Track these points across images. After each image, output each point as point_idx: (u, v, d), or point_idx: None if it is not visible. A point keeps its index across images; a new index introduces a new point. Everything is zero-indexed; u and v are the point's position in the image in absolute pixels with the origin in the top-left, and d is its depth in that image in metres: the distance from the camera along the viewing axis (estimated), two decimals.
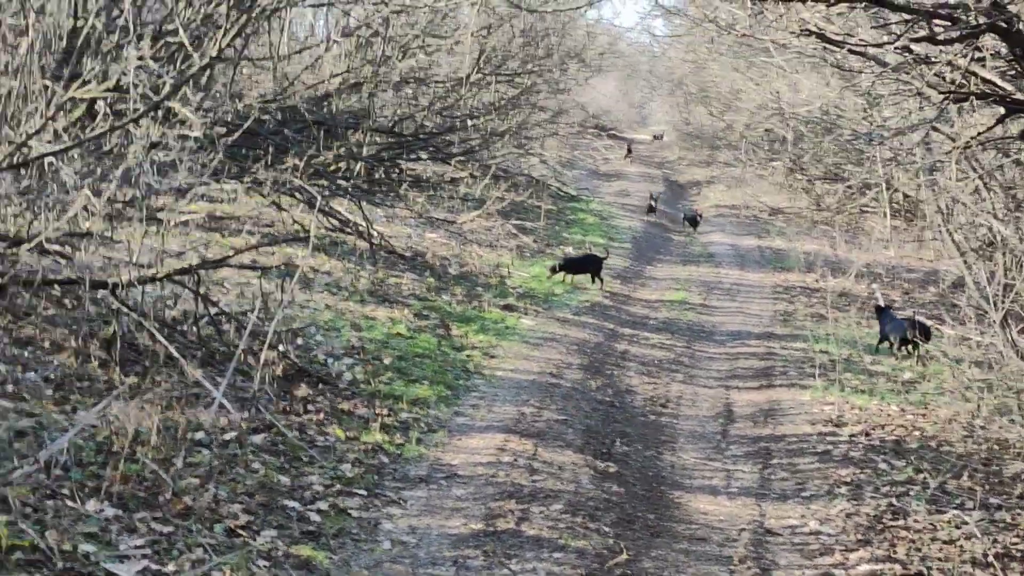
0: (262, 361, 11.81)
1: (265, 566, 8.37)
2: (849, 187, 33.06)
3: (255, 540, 8.70)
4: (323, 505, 9.74)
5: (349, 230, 20.17)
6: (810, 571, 9.82)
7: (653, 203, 37.56)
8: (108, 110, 15.32)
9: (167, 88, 12.16)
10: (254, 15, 17.11)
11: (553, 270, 22.98)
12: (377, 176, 23.20)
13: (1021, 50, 11.30)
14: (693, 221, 35.62)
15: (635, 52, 67.06)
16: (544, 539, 9.66)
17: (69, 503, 8.40)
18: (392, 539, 9.38)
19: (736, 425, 14.62)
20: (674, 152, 58.08)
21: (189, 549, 8.25)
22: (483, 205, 25.63)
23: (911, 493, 11.67)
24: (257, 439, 10.67)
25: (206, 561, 8.13)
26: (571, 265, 23.26)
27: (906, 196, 29.93)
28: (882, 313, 19.00)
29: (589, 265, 23.38)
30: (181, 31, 13.62)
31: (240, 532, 8.75)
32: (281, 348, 12.95)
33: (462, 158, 25.14)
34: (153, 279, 12.10)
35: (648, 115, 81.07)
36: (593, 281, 23.18)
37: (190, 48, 14.76)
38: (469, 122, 25.52)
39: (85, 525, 8.14)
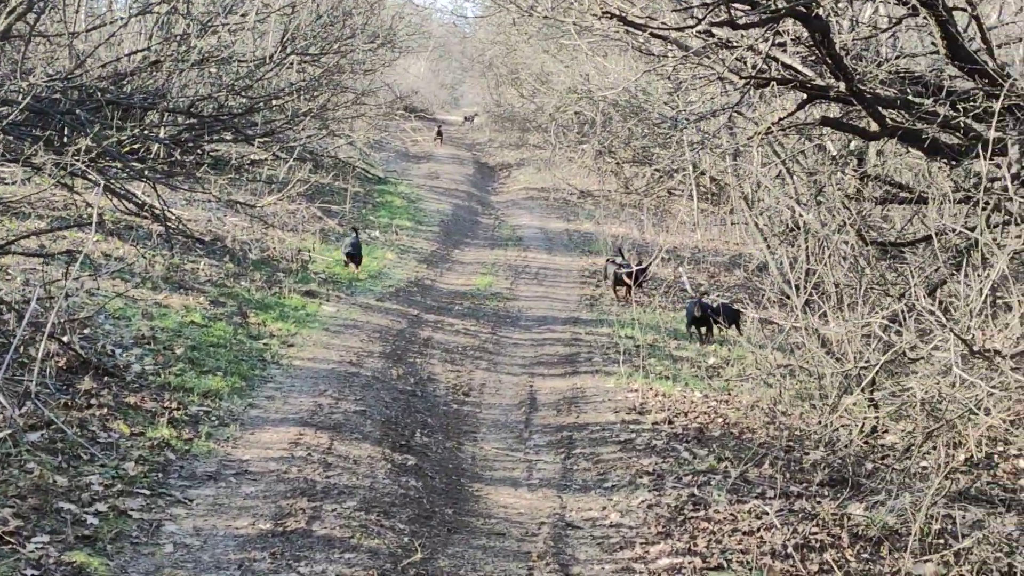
0: (42, 353, 11.23)
1: (34, 575, 7.87)
2: (657, 170, 33.30)
3: (24, 547, 8.19)
4: (102, 507, 9.24)
5: (144, 214, 19.50)
6: (609, 566, 9.62)
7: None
8: None
9: None
10: None
11: (346, 263, 22.39)
12: (176, 158, 22.53)
13: (821, 35, 11.24)
14: (626, 277, 21.59)
15: (446, 33, 66.82)
16: (336, 539, 9.29)
17: None
18: (175, 542, 8.92)
19: (539, 414, 14.39)
20: (485, 134, 57.95)
21: None
22: (286, 187, 25.08)
23: (712, 483, 11.54)
24: (34, 436, 10.12)
25: None
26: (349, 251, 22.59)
27: (713, 179, 30.17)
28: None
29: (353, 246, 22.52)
30: None
31: (8, 539, 8.23)
32: (64, 339, 12.37)
33: (265, 139, 24.54)
34: None
35: (460, 97, 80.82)
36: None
37: None
38: (272, 102, 24.96)
39: None
